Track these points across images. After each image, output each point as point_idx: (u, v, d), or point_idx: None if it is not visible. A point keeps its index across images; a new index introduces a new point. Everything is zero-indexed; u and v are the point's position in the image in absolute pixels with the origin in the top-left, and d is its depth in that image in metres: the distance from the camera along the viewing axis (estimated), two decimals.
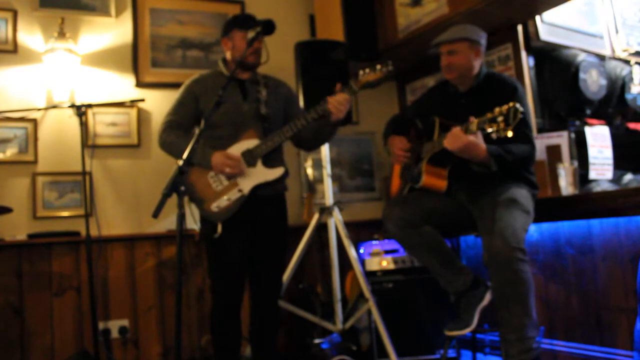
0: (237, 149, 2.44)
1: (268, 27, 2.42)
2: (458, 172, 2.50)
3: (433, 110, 2.59)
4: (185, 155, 1.97)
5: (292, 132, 2.41)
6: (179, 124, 2.50)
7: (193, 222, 3.38)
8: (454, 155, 2.36)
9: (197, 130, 2.13)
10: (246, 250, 2.47)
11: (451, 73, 2.55)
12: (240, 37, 2.47)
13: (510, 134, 2.05)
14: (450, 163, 2.49)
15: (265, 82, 2.58)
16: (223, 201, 2.41)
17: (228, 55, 2.55)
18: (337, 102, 2.33)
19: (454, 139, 2.24)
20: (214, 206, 2.40)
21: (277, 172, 2.46)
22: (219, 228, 2.38)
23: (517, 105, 2.03)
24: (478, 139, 2.24)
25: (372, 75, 2.34)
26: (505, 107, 2.05)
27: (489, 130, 2.10)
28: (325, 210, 3.19)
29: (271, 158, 2.46)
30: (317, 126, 2.46)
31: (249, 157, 2.43)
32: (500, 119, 2.06)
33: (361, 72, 2.37)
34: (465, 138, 2.21)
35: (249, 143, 2.44)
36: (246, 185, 2.42)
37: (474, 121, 2.17)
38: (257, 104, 2.50)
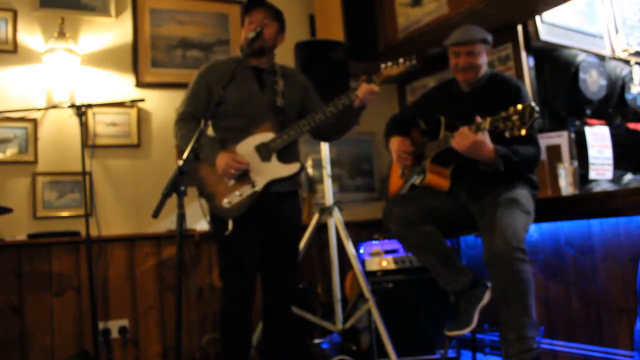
0: (251, 142, 2.34)
1: (247, 4, 2.38)
2: (460, 172, 2.50)
3: (435, 111, 2.58)
4: (185, 155, 1.96)
5: (309, 127, 2.31)
6: (192, 115, 2.38)
7: (193, 222, 3.42)
8: (458, 155, 2.35)
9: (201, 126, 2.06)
10: (257, 250, 2.37)
11: (468, 74, 2.54)
12: (247, 23, 2.41)
13: (524, 132, 2.06)
14: (453, 163, 2.49)
15: (283, 72, 2.48)
16: (235, 197, 2.29)
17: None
18: (368, 91, 2.27)
19: (462, 139, 2.23)
20: (225, 202, 2.29)
21: (293, 167, 2.34)
22: (230, 225, 2.28)
23: (533, 104, 2.04)
24: (486, 139, 2.23)
25: (395, 69, 2.28)
26: (520, 107, 2.06)
27: (503, 128, 2.10)
28: (325, 210, 3.19)
29: (286, 153, 2.36)
30: (337, 117, 2.37)
31: (264, 151, 2.32)
32: (515, 117, 2.06)
33: (383, 66, 2.31)
34: (473, 137, 2.19)
35: (264, 136, 2.33)
36: (260, 180, 2.31)
37: (487, 119, 2.17)
38: (273, 95, 2.40)
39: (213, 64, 2.49)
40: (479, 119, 2.20)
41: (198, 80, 2.44)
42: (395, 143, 2.69)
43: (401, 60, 2.28)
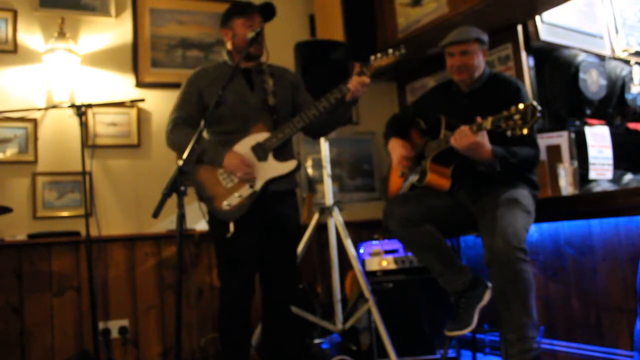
0: (246, 143, 2.34)
1: (267, 11, 2.37)
2: (460, 172, 2.50)
3: (434, 111, 2.58)
4: (185, 156, 1.96)
5: (303, 123, 2.32)
6: (185, 120, 2.39)
7: (193, 222, 3.42)
8: (458, 155, 2.35)
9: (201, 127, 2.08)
10: (257, 250, 2.37)
11: (462, 74, 2.54)
12: (240, 24, 2.39)
13: (526, 131, 2.05)
14: (453, 162, 2.49)
15: (271, 71, 2.49)
16: (234, 198, 2.29)
17: (229, 45, 2.45)
18: (359, 83, 2.26)
19: (461, 137, 2.23)
20: (225, 204, 2.29)
21: (290, 165, 2.34)
22: (231, 227, 2.28)
23: (535, 103, 2.04)
24: (484, 140, 2.24)
25: (384, 60, 2.28)
26: (522, 106, 2.06)
27: (504, 127, 2.11)
28: (325, 210, 3.19)
29: (282, 151, 2.36)
30: (329, 112, 2.36)
31: (260, 151, 2.33)
32: (517, 116, 2.06)
33: (372, 57, 2.30)
34: (472, 137, 2.20)
35: (259, 136, 2.34)
36: (258, 180, 2.31)
37: (489, 118, 2.17)
38: (264, 94, 2.41)
39: (201, 69, 2.50)
40: (479, 119, 2.20)
41: (188, 86, 2.45)
42: (395, 147, 2.69)
43: (390, 50, 2.28)
